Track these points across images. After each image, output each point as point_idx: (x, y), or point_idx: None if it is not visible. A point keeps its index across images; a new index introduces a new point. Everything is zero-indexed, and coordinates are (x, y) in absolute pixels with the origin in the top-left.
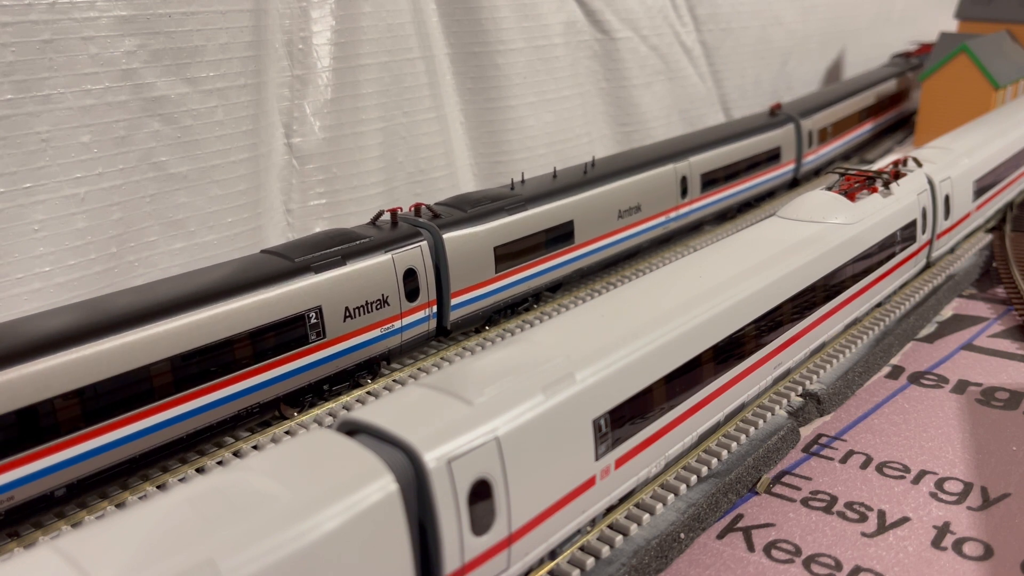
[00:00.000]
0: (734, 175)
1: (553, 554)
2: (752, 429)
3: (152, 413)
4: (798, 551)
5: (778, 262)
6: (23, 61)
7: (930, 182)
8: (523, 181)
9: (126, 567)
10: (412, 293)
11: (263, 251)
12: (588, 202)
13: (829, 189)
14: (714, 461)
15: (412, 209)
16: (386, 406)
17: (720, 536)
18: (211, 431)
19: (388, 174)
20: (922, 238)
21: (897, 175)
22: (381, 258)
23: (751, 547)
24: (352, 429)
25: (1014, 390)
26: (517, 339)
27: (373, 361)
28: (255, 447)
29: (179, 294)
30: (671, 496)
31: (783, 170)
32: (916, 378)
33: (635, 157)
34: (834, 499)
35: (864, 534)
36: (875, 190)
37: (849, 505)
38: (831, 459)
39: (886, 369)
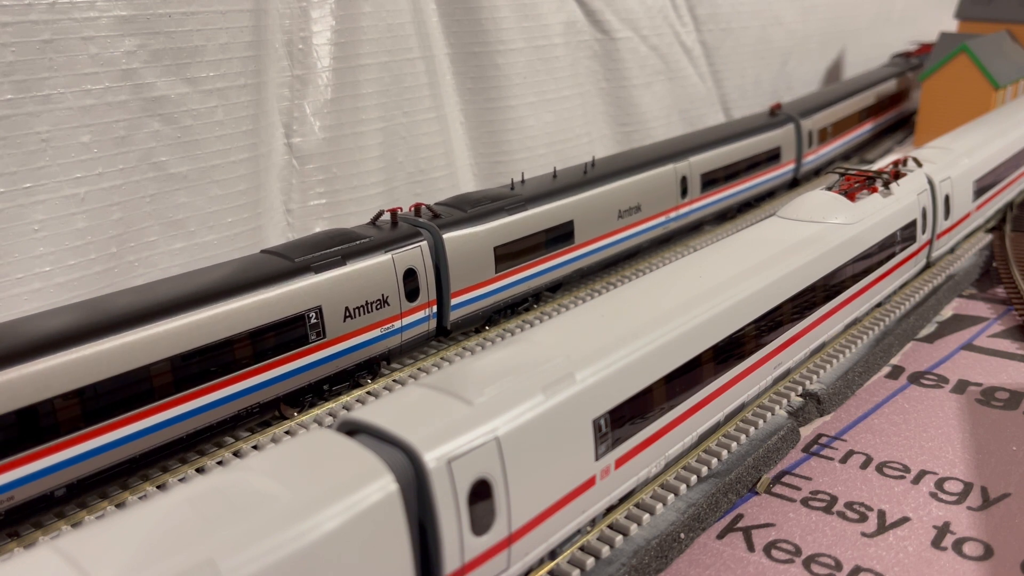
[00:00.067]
0: (734, 175)
1: (553, 554)
2: (752, 429)
3: (152, 413)
4: (798, 551)
5: (778, 262)
6: (23, 61)
7: (930, 182)
8: (523, 181)
9: (126, 567)
10: (412, 293)
11: (263, 251)
12: (588, 202)
13: (829, 189)
14: (714, 461)
15: (412, 209)
16: (386, 406)
17: (720, 536)
18: (211, 431)
19: (388, 174)
20: (922, 238)
21: (897, 175)
22: (381, 258)
23: (751, 547)
24: (352, 429)
25: (1014, 390)
26: (517, 339)
27: (373, 361)
28: (255, 447)
29: (179, 294)
30: (671, 496)
31: (783, 170)
32: (916, 378)
33: (635, 157)
34: (834, 499)
35: (864, 534)
36: (875, 190)
37: (849, 505)
38: (831, 459)
39: (886, 369)
